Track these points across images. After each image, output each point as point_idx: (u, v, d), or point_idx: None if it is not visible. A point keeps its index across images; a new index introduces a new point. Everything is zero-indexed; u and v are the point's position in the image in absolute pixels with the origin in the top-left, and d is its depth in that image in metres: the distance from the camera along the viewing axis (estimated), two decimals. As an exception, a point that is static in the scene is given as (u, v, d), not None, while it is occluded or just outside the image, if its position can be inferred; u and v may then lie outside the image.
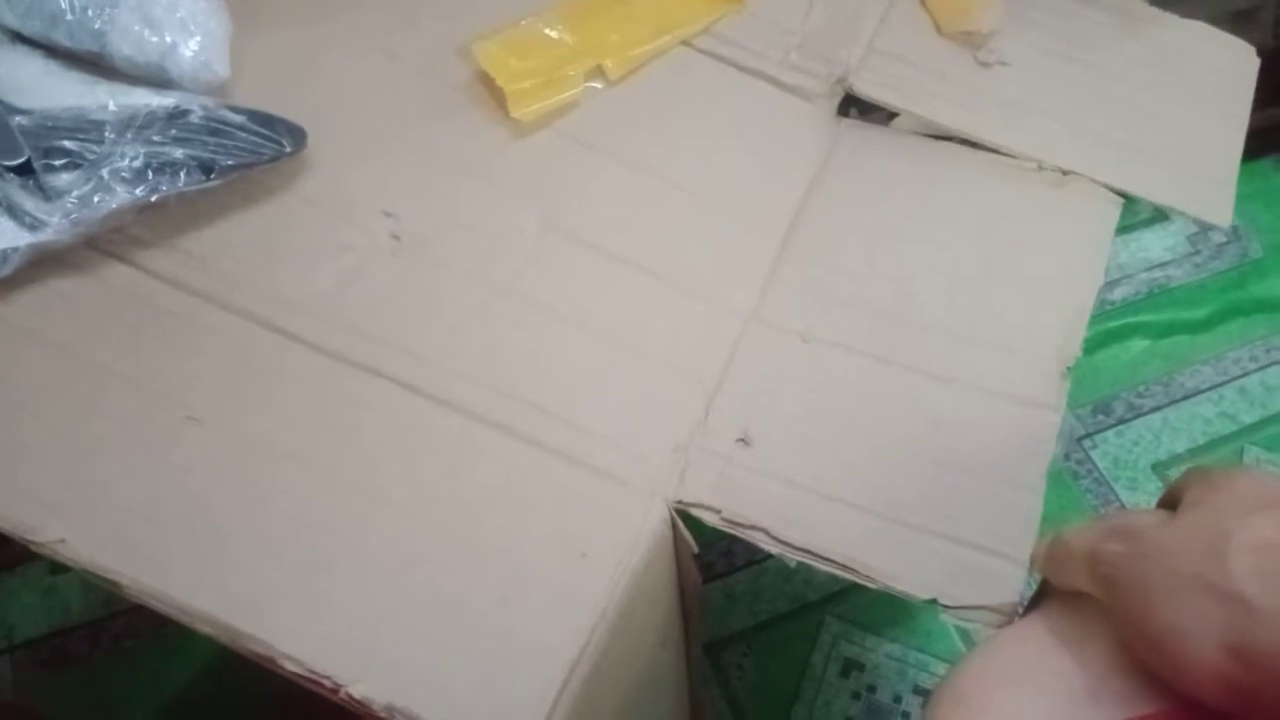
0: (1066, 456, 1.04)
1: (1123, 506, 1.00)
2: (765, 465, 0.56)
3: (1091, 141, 0.66)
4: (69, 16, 0.58)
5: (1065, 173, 0.64)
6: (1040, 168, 0.64)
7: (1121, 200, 0.64)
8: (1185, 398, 1.10)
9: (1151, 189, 0.64)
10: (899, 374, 0.58)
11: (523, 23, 0.65)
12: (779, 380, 0.58)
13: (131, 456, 0.52)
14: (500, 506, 0.53)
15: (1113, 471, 1.04)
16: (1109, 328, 1.09)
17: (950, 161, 0.65)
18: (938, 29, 0.69)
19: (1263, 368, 1.10)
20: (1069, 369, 0.57)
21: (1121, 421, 1.07)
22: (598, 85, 0.65)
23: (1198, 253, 1.15)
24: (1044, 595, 0.49)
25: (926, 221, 0.63)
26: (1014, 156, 0.65)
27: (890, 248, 0.62)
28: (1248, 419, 1.07)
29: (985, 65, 0.67)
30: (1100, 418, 1.07)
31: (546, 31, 0.65)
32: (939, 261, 0.62)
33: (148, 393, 0.54)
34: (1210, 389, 1.09)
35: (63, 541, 0.48)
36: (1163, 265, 1.11)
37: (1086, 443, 1.05)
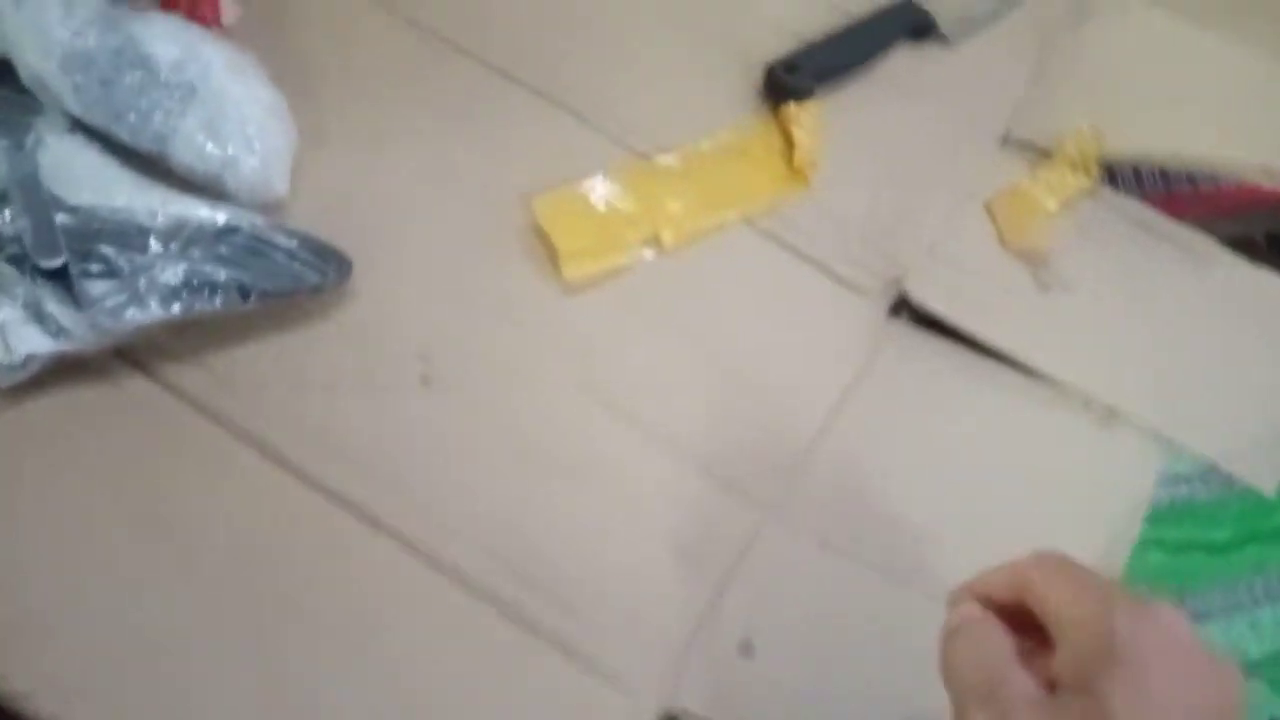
0: None
1: None
2: (764, 677, 0.54)
3: (1143, 382, 0.64)
4: (132, 117, 0.58)
5: (1112, 412, 0.63)
6: (1087, 404, 0.63)
7: (1165, 449, 0.62)
8: (1194, 621, 1.05)
9: (1199, 441, 0.63)
10: (915, 600, 0.56)
11: (585, 182, 0.65)
12: (790, 585, 0.56)
13: (112, 601, 0.50)
14: (487, 693, 0.51)
15: None
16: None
17: (996, 382, 0.64)
18: (1000, 241, 0.68)
19: (1275, 600, 1.07)
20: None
21: None
22: (651, 254, 0.64)
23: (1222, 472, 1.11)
24: None
25: (964, 442, 0.62)
26: (1062, 387, 0.63)
27: (924, 463, 0.61)
28: (1255, 653, 1.03)
29: (1045, 287, 0.66)
30: None
31: (606, 194, 0.65)
32: (972, 486, 0.60)
33: (145, 523, 0.52)
34: (1220, 615, 1.06)
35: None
36: (1188, 480, 1.08)
37: None
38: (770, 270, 0.66)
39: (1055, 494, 0.61)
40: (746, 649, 0.54)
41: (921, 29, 0.77)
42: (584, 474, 0.57)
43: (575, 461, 0.58)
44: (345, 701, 0.50)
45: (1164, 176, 0.73)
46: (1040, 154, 0.72)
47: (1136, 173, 0.72)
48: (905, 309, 0.66)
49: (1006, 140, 0.73)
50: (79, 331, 0.53)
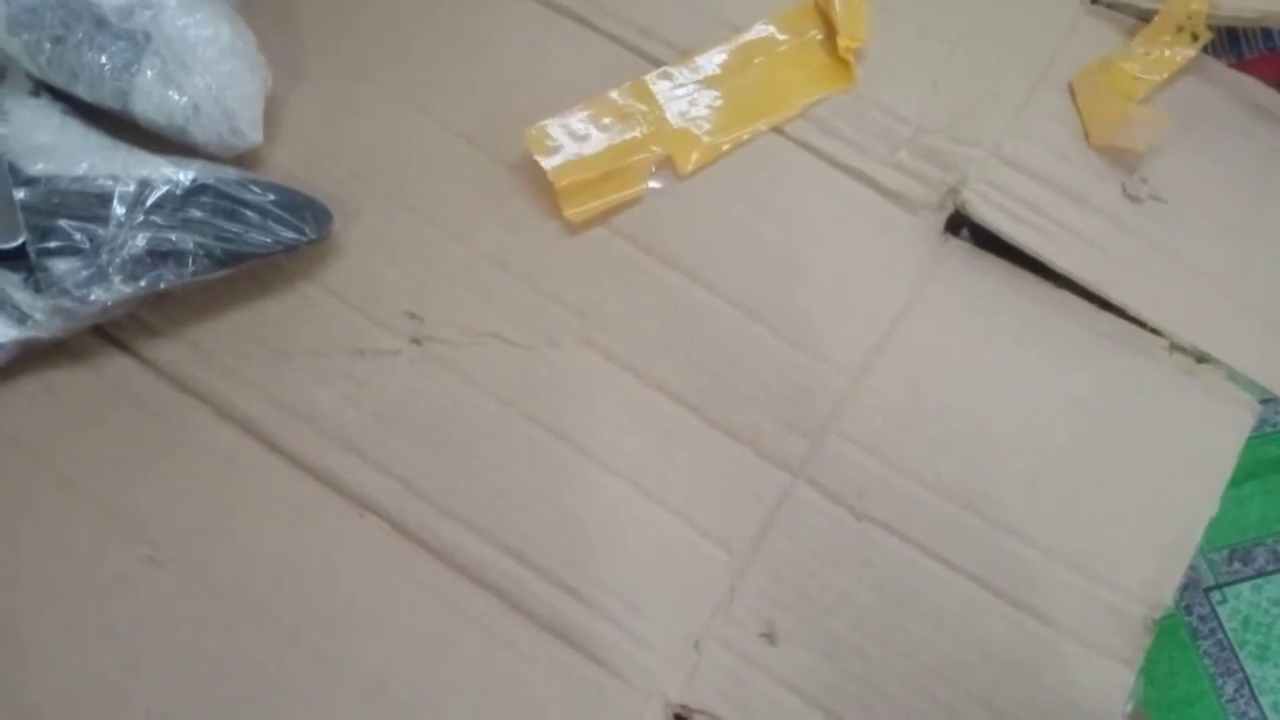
0: (1189, 610, 0.93)
1: (1247, 682, 0.90)
2: (786, 670, 0.51)
3: (1243, 318, 0.57)
4: (88, 74, 0.56)
5: (1201, 358, 0.56)
6: (1172, 348, 0.56)
7: (1259, 406, 0.55)
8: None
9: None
10: (956, 581, 0.53)
11: (587, 102, 0.60)
12: (819, 562, 0.53)
13: (78, 605, 0.51)
14: (478, 692, 0.50)
15: (1240, 635, 0.93)
16: (1267, 454, 0.97)
17: (1067, 317, 0.58)
18: (1085, 136, 0.61)
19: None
20: (1156, 621, 0.50)
21: (1262, 574, 0.94)
22: (663, 183, 0.60)
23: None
24: None
25: (1025, 387, 0.56)
26: (1143, 325, 0.57)
27: (977, 413, 0.56)
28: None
29: (1134, 199, 0.59)
30: (1236, 566, 0.95)
31: (612, 115, 0.60)
32: (1032, 442, 0.55)
33: (113, 522, 0.52)
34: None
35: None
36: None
37: (1215, 595, 0.94)
38: (804, 188, 0.61)
39: (1128, 455, 0.55)
40: (769, 639, 0.52)
41: None
42: (589, 440, 0.55)
43: (580, 427, 0.56)
44: (326, 698, 0.50)
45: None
46: (1138, 17, 0.64)
47: (1266, 35, 0.63)
48: (964, 226, 0.60)
49: (1096, 0, 0.65)
50: (43, 317, 0.53)
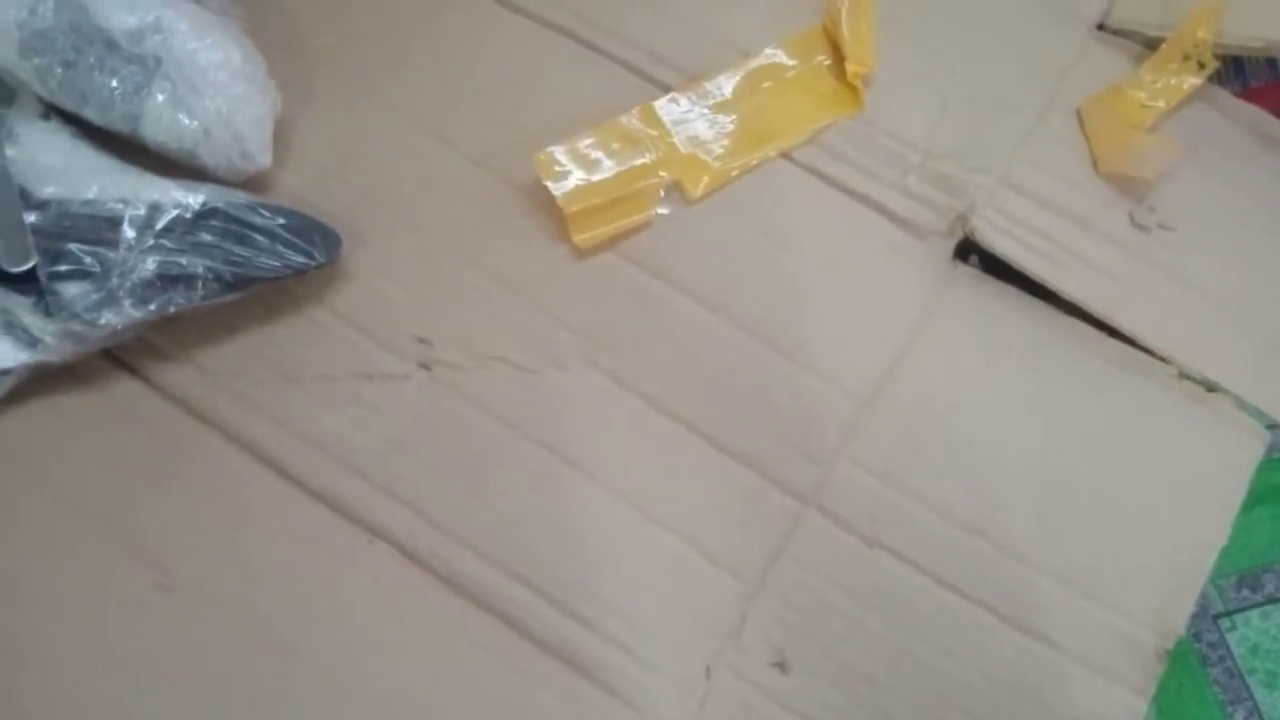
0: (1198, 637, 0.93)
1: (1256, 710, 0.90)
2: (797, 700, 0.52)
3: (1251, 345, 0.58)
4: (99, 97, 0.57)
5: (1210, 387, 0.56)
6: (1180, 376, 0.57)
7: (1268, 433, 0.56)
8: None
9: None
10: (966, 609, 0.53)
11: (596, 129, 0.61)
12: (830, 589, 0.54)
13: (83, 624, 0.51)
14: (485, 719, 0.51)
15: (1249, 661, 0.93)
16: (1275, 480, 0.97)
17: (1076, 344, 0.58)
18: (1094, 163, 0.61)
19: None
20: (1169, 650, 0.50)
21: (1271, 601, 0.95)
22: (670, 209, 0.60)
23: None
24: None
25: (1034, 414, 0.57)
26: (1152, 353, 0.57)
27: (987, 439, 0.56)
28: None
29: (1142, 228, 0.59)
30: (1245, 593, 0.96)
31: (620, 140, 0.61)
32: (1040, 468, 0.56)
33: (121, 543, 0.53)
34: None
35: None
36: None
37: (1224, 622, 0.94)
38: (813, 213, 0.61)
39: (1137, 483, 0.56)
40: (781, 669, 0.52)
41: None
42: (598, 465, 0.55)
43: (588, 451, 0.56)
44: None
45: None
46: (1145, 44, 0.64)
47: (1272, 64, 0.64)
48: (972, 253, 0.61)
49: (1103, 27, 0.66)
50: (53, 341, 0.53)
